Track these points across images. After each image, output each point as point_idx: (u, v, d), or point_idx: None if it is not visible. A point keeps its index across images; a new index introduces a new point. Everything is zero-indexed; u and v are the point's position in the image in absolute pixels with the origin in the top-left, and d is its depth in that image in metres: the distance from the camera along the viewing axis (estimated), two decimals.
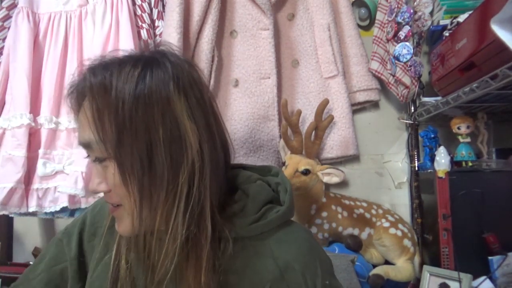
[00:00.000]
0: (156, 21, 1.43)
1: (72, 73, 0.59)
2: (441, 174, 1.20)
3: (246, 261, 0.58)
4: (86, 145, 0.55)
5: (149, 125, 0.52)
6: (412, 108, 1.44)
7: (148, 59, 0.55)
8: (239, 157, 1.37)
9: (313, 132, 1.32)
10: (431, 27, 1.34)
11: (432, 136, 1.35)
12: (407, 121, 1.47)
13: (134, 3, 1.41)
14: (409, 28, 1.30)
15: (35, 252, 1.43)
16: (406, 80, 1.31)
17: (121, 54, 0.58)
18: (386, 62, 1.39)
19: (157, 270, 0.55)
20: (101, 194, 0.63)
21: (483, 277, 1.10)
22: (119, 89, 0.52)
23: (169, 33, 1.32)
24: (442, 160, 1.22)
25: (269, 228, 0.60)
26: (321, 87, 1.42)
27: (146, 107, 0.52)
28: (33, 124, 1.32)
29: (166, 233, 0.55)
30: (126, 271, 0.60)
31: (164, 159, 0.53)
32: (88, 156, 0.58)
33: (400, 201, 1.49)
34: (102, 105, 0.52)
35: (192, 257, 0.56)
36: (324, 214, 1.30)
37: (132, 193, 0.53)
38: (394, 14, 1.33)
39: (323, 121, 1.31)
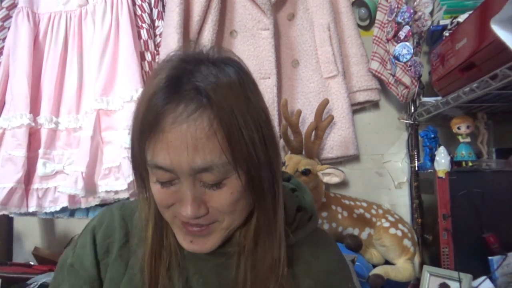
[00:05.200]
0: (156, 21, 1.43)
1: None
2: (441, 174, 1.20)
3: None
4: (204, 169, 0.49)
5: (266, 136, 0.52)
6: (412, 108, 1.44)
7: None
8: None
9: (313, 132, 1.32)
10: (431, 27, 1.34)
11: (432, 136, 1.35)
12: (407, 121, 1.47)
13: (134, 3, 1.41)
14: (409, 28, 1.30)
15: (35, 252, 1.43)
16: (406, 80, 1.31)
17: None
18: (386, 62, 1.39)
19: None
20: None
21: (483, 277, 1.10)
22: (242, 105, 0.50)
23: (169, 33, 1.32)
24: (442, 160, 1.22)
25: (305, 235, 0.62)
26: (321, 87, 1.42)
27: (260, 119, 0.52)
28: (33, 124, 1.32)
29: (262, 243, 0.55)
30: None
31: (277, 164, 0.55)
32: (169, 182, 0.51)
33: (400, 201, 1.49)
34: (232, 126, 0.48)
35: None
36: (324, 214, 1.30)
37: (258, 204, 0.54)
38: (394, 14, 1.33)
39: (323, 121, 1.31)
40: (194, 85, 0.49)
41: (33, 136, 1.35)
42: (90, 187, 1.29)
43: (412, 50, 1.29)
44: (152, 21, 1.43)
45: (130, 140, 0.54)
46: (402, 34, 1.31)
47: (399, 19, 1.31)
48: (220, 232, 0.54)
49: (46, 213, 1.35)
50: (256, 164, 0.51)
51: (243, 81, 0.51)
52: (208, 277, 0.59)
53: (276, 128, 1.38)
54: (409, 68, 1.30)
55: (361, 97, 1.46)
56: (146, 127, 0.49)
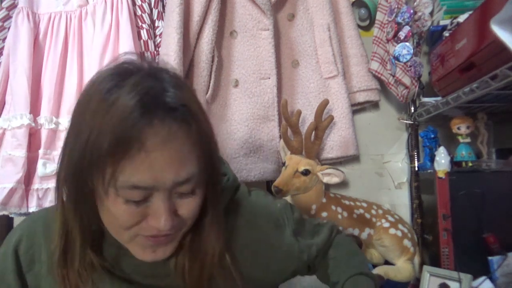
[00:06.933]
0: (156, 21, 1.43)
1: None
2: (441, 175, 1.20)
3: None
4: (186, 181, 0.52)
5: (214, 142, 0.58)
6: (412, 108, 1.44)
7: None
8: (239, 157, 1.37)
9: (313, 133, 1.32)
10: (431, 27, 1.34)
11: (432, 136, 1.35)
12: (407, 121, 1.47)
13: (134, 4, 1.40)
14: (409, 28, 1.30)
15: None
16: (406, 80, 1.31)
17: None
18: (386, 63, 1.39)
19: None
20: None
21: (483, 277, 1.10)
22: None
23: (169, 33, 1.31)
24: (442, 161, 1.22)
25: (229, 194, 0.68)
26: (321, 87, 1.42)
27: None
28: (33, 124, 1.32)
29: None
30: None
31: (219, 166, 0.63)
32: (141, 201, 0.52)
33: (400, 201, 1.49)
34: (203, 136, 0.54)
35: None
36: (324, 214, 1.30)
37: (211, 213, 0.59)
38: (394, 15, 1.33)
39: (323, 122, 1.31)
40: (167, 104, 0.51)
41: (33, 136, 1.35)
42: None
43: (412, 51, 1.29)
44: (152, 22, 1.43)
45: (72, 162, 0.52)
46: (402, 34, 1.31)
47: (399, 19, 1.31)
48: (176, 241, 0.58)
49: None
50: (212, 169, 0.56)
51: (191, 88, 0.58)
52: (146, 270, 0.62)
53: (277, 129, 1.38)
54: (409, 69, 1.30)
55: (361, 97, 1.46)
56: (120, 148, 0.48)
